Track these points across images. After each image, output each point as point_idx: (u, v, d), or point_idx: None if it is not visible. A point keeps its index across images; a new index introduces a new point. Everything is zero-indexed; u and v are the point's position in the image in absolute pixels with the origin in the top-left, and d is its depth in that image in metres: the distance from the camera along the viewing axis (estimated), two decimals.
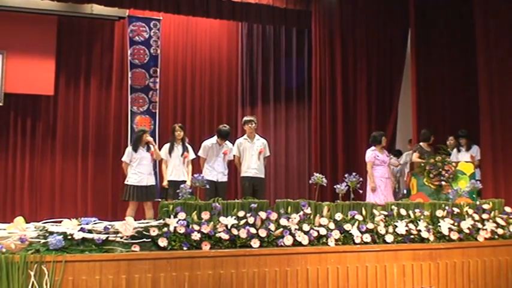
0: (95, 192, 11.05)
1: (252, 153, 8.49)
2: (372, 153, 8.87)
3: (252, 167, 8.46)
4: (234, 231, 4.87)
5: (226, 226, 4.88)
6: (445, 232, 5.68)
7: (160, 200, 6.50)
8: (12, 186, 10.72)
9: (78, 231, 4.52)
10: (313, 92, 10.75)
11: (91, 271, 4.33)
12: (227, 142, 8.63)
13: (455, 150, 9.44)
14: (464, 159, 8.97)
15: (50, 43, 10.86)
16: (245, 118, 8.89)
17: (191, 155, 8.69)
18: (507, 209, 6.27)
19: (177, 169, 8.54)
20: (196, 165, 8.70)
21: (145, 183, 8.28)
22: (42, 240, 4.40)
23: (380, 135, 8.95)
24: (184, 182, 7.71)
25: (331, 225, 5.27)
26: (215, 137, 8.59)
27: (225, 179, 8.56)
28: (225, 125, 8.95)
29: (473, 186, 7.17)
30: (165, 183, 8.52)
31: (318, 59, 10.70)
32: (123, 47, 11.43)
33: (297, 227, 5.12)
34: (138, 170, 8.29)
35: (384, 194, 8.65)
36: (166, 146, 8.68)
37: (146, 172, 8.32)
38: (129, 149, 8.55)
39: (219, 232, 4.82)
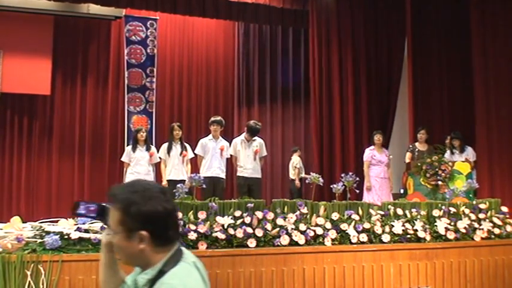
0: (92, 192, 11.05)
1: (248, 153, 8.46)
2: (369, 153, 8.95)
3: (248, 167, 8.42)
4: (231, 231, 4.87)
5: (222, 226, 4.87)
6: (442, 232, 5.68)
7: None
8: (9, 186, 10.72)
9: (75, 230, 4.51)
10: (311, 91, 10.70)
11: (88, 271, 4.33)
12: (222, 139, 8.62)
13: (448, 152, 9.32)
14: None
15: (46, 43, 10.87)
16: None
17: (190, 154, 8.66)
18: (504, 208, 6.28)
19: (175, 168, 8.52)
20: (195, 164, 8.70)
21: None
22: (39, 240, 4.40)
23: (373, 135, 9.03)
24: (183, 181, 7.67)
25: (328, 225, 5.26)
26: (210, 135, 8.58)
27: (222, 175, 8.47)
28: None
29: (469, 186, 7.16)
30: (164, 182, 8.50)
31: (316, 59, 10.66)
32: (120, 46, 11.43)
33: (293, 226, 5.12)
34: (134, 169, 8.32)
35: (378, 193, 8.73)
36: (165, 145, 8.66)
37: (143, 172, 8.32)
38: (128, 148, 8.57)
39: (216, 232, 4.82)
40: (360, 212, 5.51)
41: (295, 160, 11.43)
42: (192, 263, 1.92)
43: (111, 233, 1.87)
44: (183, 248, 1.95)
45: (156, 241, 1.82)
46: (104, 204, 1.93)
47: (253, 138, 8.57)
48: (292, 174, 11.40)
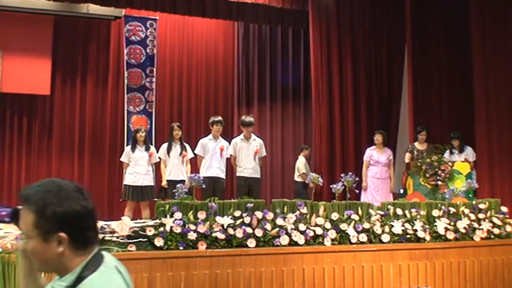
0: (91, 192, 10.57)
1: (248, 153, 8.43)
2: (368, 153, 9.02)
3: (248, 167, 8.39)
4: (230, 231, 4.87)
5: (222, 226, 4.87)
6: (441, 232, 5.68)
7: (158, 199, 6.49)
8: (9, 186, 10.71)
9: None
10: (313, 92, 10.66)
11: None
12: (222, 139, 8.61)
13: (447, 152, 9.29)
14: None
15: (46, 43, 10.87)
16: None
17: (189, 154, 8.66)
18: (503, 208, 6.28)
19: (175, 169, 8.52)
20: (195, 165, 8.69)
21: (140, 183, 8.29)
22: None
23: (374, 135, 9.06)
24: (183, 181, 7.66)
25: (328, 225, 5.27)
26: (211, 135, 8.57)
27: (222, 175, 8.45)
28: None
29: (469, 186, 7.16)
30: (164, 183, 8.49)
31: (316, 59, 10.63)
32: (120, 46, 11.42)
33: (293, 226, 5.12)
34: (134, 170, 8.32)
35: (373, 194, 8.80)
36: (164, 145, 8.66)
37: (142, 172, 8.33)
38: (127, 149, 8.57)
39: (215, 232, 4.81)
40: (360, 212, 5.51)
41: (300, 163, 10.89)
42: (114, 267, 1.80)
43: (25, 238, 1.73)
44: (103, 252, 1.84)
45: (75, 243, 1.71)
46: (17, 207, 1.78)
47: (253, 138, 8.56)
48: (296, 175, 10.92)
